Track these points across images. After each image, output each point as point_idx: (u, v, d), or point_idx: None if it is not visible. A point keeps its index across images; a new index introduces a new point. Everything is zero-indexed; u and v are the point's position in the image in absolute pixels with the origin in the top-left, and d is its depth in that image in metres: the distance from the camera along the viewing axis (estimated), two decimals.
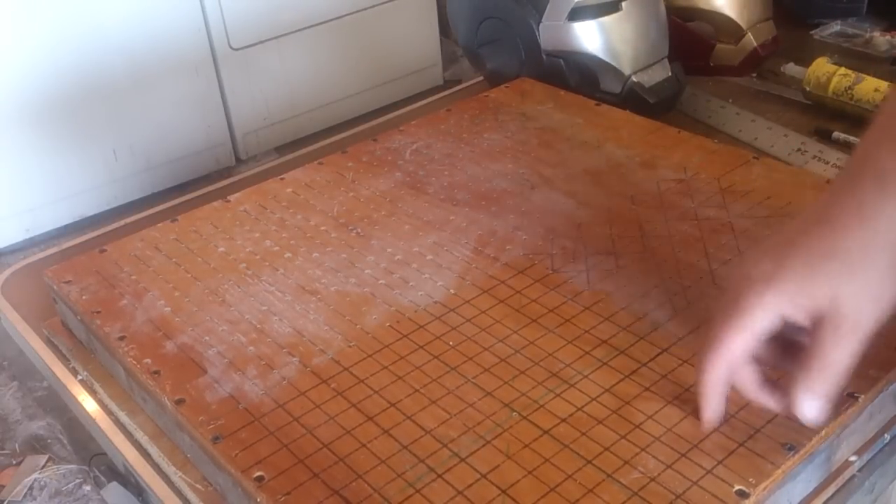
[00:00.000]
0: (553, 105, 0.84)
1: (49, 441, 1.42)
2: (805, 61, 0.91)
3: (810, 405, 0.46)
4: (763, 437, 0.48)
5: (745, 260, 0.48)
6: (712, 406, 0.48)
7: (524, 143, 0.78)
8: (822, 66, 0.88)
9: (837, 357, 0.45)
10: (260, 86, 2.05)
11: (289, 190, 0.74)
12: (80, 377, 0.64)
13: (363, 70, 2.21)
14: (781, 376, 0.49)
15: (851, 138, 0.82)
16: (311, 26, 2.07)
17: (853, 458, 0.52)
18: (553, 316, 0.58)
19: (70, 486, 1.33)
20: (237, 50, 1.99)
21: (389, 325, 0.58)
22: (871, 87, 0.85)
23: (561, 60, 0.88)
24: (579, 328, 0.57)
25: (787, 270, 0.45)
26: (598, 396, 0.52)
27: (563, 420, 0.50)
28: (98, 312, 0.61)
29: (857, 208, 0.45)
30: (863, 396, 0.50)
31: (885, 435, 0.54)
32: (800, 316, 0.45)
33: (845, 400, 0.50)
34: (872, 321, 0.45)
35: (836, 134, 0.83)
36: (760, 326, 0.46)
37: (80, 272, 0.65)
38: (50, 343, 0.67)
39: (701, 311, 0.57)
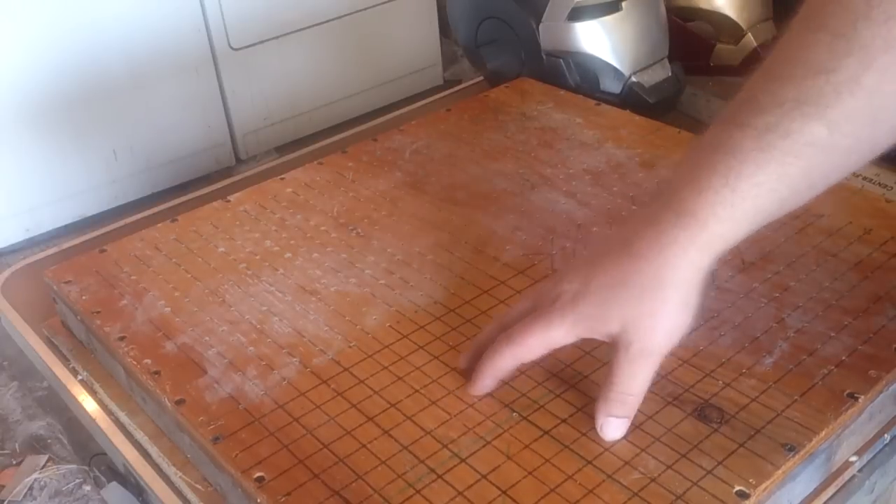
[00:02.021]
0: (553, 105, 0.84)
1: (49, 441, 1.42)
2: None
3: (608, 424, 0.49)
4: (763, 437, 0.48)
5: (562, 273, 0.50)
6: (485, 384, 0.52)
7: (524, 143, 0.78)
8: None
9: (628, 380, 0.48)
10: (260, 86, 2.05)
11: (289, 190, 0.74)
12: (80, 377, 0.64)
13: (363, 70, 2.20)
14: None
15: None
16: (311, 26, 2.07)
17: (853, 459, 0.52)
18: None
19: (70, 486, 1.33)
20: (237, 50, 1.99)
21: (389, 326, 0.58)
22: None
23: (561, 60, 0.88)
24: None
25: (588, 294, 0.48)
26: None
27: (564, 420, 0.50)
28: (98, 312, 0.61)
29: (656, 240, 0.47)
30: (863, 397, 0.50)
31: (885, 435, 0.54)
32: (598, 336, 0.48)
33: (845, 400, 0.50)
34: (662, 349, 0.48)
35: None
36: (558, 340, 0.49)
37: (80, 272, 0.65)
38: (50, 343, 0.67)
39: (701, 311, 0.57)
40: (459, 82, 1.16)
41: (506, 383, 0.53)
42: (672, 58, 0.90)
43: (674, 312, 0.47)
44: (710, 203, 0.45)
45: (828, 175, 0.45)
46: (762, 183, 0.44)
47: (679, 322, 0.47)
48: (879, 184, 0.77)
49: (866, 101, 0.42)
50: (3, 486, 1.34)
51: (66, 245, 0.79)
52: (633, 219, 0.49)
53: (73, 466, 1.37)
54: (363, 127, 0.95)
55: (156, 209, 0.83)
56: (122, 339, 0.59)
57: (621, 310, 0.47)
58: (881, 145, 0.45)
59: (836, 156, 0.44)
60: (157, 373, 0.56)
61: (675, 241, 0.46)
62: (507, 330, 0.51)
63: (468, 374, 0.53)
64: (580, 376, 0.53)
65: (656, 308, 0.47)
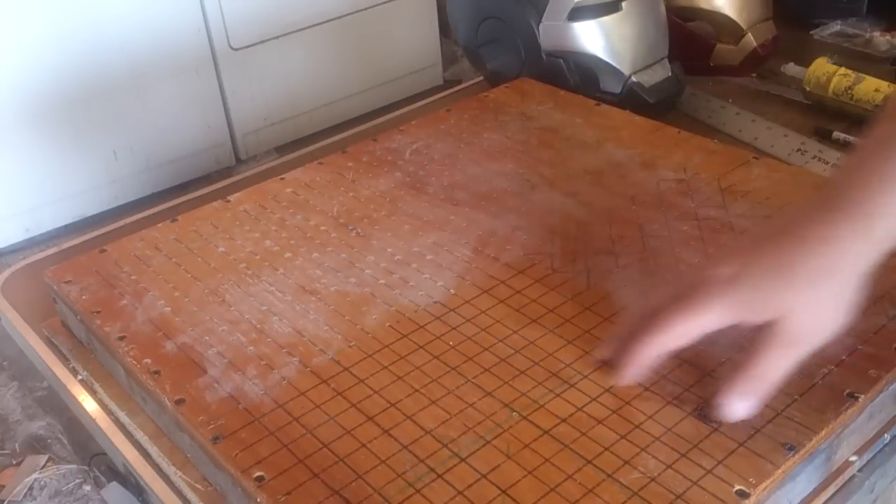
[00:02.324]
0: (553, 105, 0.84)
1: (49, 441, 1.42)
2: (805, 61, 0.91)
3: (732, 402, 0.48)
4: (763, 437, 0.48)
5: (713, 262, 0.49)
6: (632, 373, 0.51)
7: (524, 143, 0.78)
8: (822, 66, 0.88)
9: (770, 367, 0.47)
10: (260, 86, 2.05)
11: (289, 190, 0.74)
12: (80, 377, 0.64)
13: (363, 70, 2.20)
14: None
15: (851, 138, 0.82)
16: (311, 26, 2.07)
17: (853, 458, 0.52)
18: (553, 316, 0.58)
19: (70, 486, 1.33)
20: (237, 50, 1.99)
21: (389, 325, 0.58)
22: (871, 87, 0.85)
23: (561, 60, 0.88)
24: (579, 328, 0.57)
25: (747, 277, 0.47)
26: (598, 396, 0.52)
27: (564, 420, 0.50)
28: (98, 312, 0.61)
29: (826, 230, 0.46)
30: (863, 396, 0.50)
31: (885, 435, 0.54)
32: (751, 321, 0.47)
33: (845, 400, 0.50)
34: (816, 341, 0.47)
35: (836, 134, 0.83)
36: (709, 324, 0.48)
37: (80, 272, 0.65)
38: (50, 343, 0.67)
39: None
40: (459, 82, 1.16)
41: (506, 382, 0.53)
42: (672, 58, 0.90)
43: (837, 305, 0.46)
44: (876, 199, 0.45)
45: None
46: None
47: (839, 316, 0.46)
48: None
49: None
50: (3, 486, 1.34)
51: (66, 245, 0.79)
52: (793, 211, 0.48)
53: (73, 466, 1.37)
54: (363, 127, 0.95)
55: (156, 209, 0.83)
56: (121, 338, 0.59)
57: (784, 295, 0.46)
58: None
59: None
60: (156, 372, 0.56)
61: (845, 234, 0.45)
62: (650, 318, 0.49)
63: (609, 363, 0.52)
64: (580, 376, 0.53)
65: (822, 297, 0.46)
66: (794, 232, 0.47)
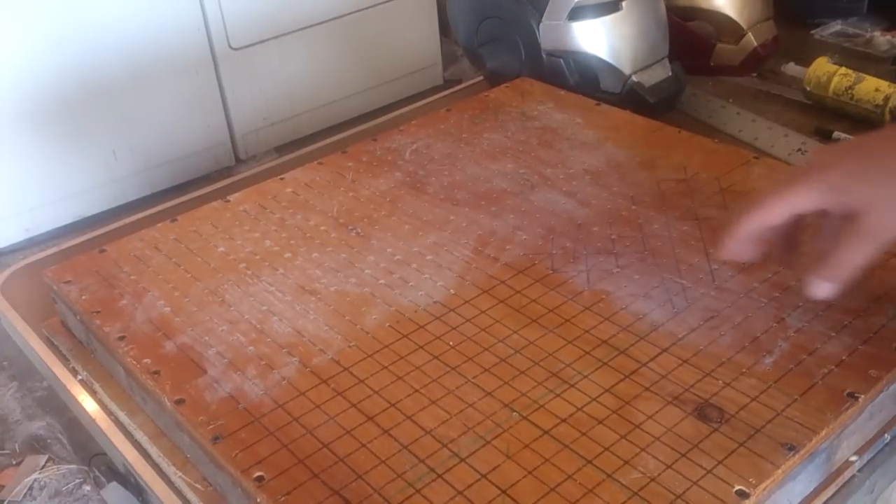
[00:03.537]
0: (553, 105, 0.84)
1: (49, 441, 1.42)
2: (805, 61, 0.91)
3: (818, 285, 0.52)
4: (763, 437, 0.48)
5: (817, 152, 0.54)
6: (731, 247, 0.54)
7: (524, 143, 0.78)
8: (822, 66, 0.88)
9: (852, 252, 0.50)
10: (260, 86, 2.05)
11: (289, 190, 0.74)
12: (79, 377, 0.64)
13: (363, 70, 2.21)
14: None
15: (852, 138, 0.82)
16: (311, 26, 2.07)
17: (853, 458, 0.52)
18: (553, 316, 0.58)
19: (70, 486, 1.33)
20: (237, 50, 1.99)
21: (389, 325, 0.58)
22: (871, 86, 0.85)
23: (561, 60, 0.88)
24: (579, 328, 0.57)
25: (840, 167, 0.51)
26: (598, 396, 0.52)
27: (563, 420, 0.50)
28: (98, 312, 0.61)
29: None
30: (863, 396, 0.50)
31: (886, 435, 0.54)
32: (838, 207, 0.51)
33: (845, 400, 0.50)
34: (893, 235, 0.50)
35: (836, 134, 0.83)
36: (801, 204, 0.52)
37: (80, 272, 0.65)
38: (50, 343, 0.67)
39: (701, 310, 0.57)
40: (459, 82, 1.16)
41: (506, 382, 0.53)
42: (672, 58, 0.90)
43: None
44: None
45: None
46: None
47: None
48: None
49: None
50: (3, 486, 1.35)
51: (65, 245, 0.79)
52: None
53: (73, 466, 1.37)
54: (363, 127, 0.95)
55: (155, 209, 0.83)
56: (121, 338, 0.59)
57: (870, 186, 0.49)
58: None
59: None
60: (156, 372, 0.56)
61: None
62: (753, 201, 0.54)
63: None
64: (580, 376, 0.53)
65: None
66: (883, 134, 0.52)
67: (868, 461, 0.53)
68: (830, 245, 0.51)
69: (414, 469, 0.48)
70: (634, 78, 0.87)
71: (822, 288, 0.52)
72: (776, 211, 0.53)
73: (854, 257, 0.50)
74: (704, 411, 0.50)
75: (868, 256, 0.50)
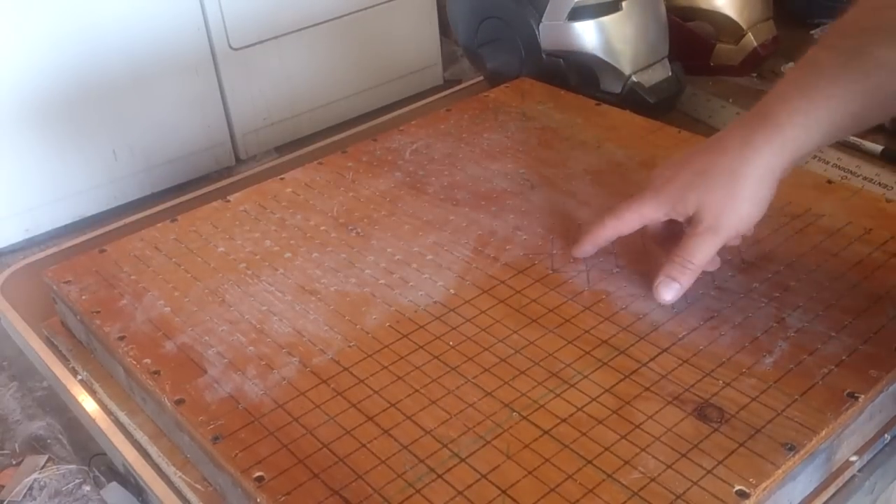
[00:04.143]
0: (553, 105, 0.84)
1: (49, 441, 1.42)
2: None
3: (664, 286, 0.57)
4: (763, 437, 0.48)
5: (661, 167, 0.60)
6: (585, 249, 0.62)
7: (524, 143, 0.78)
8: None
9: (692, 250, 0.56)
10: (260, 86, 2.05)
11: (289, 190, 0.74)
12: (79, 377, 0.64)
13: (363, 70, 2.21)
14: None
15: (851, 138, 0.82)
16: (311, 26, 2.07)
17: (853, 458, 0.52)
18: (553, 316, 0.58)
19: (70, 486, 1.33)
20: (237, 50, 1.99)
21: (389, 325, 0.58)
22: None
23: (561, 60, 0.88)
24: (579, 328, 0.57)
25: (675, 180, 0.57)
26: (598, 396, 0.52)
27: (564, 420, 0.50)
28: (98, 312, 0.61)
29: (739, 140, 0.55)
30: (863, 396, 0.50)
31: (886, 435, 0.54)
32: (677, 216, 0.58)
33: (845, 400, 0.50)
34: (727, 230, 0.56)
35: None
36: (648, 216, 0.59)
37: (80, 272, 0.65)
38: (50, 343, 0.67)
39: (701, 310, 0.57)
40: (459, 82, 1.15)
41: (506, 382, 0.53)
42: (672, 58, 0.90)
43: (743, 202, 0.55)
44: (788, 111, 0.53)
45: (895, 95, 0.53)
46: (834, 95, 0.52)
47: (747, 211, 0.55)
48: (879, 184, 0.77)
49: None
50: (3, 487, 1.35)
51: (65, 245, 0.79)
52: (729, 125, 0.57)
53: (73, 466, 1.37)
54: (363, 127, 0.95)
55: (155, 209, 0.83)
56: (121, 338, 0.59)
57: (699, 194, 0.56)
58: None
59: None
60: (156, 372, 0.56)
61: (754, 142, 0.54)
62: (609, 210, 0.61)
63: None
64: (580, 376, 0.53)
65: (728, 195, 0.55)
66: (719, 142, 0.57)
67: (868, 461, 0.53)
68: (673, 248, 0.57)
69: (414, 469, 0.48)
70: (634, 78, 0.87)
71: (670, 288, 0.57)
72: (627, 222, 0.60)
73: (697, 254, 0.56)
74: (704, 411, 0.50)
75: (707, 255, 0.56)
